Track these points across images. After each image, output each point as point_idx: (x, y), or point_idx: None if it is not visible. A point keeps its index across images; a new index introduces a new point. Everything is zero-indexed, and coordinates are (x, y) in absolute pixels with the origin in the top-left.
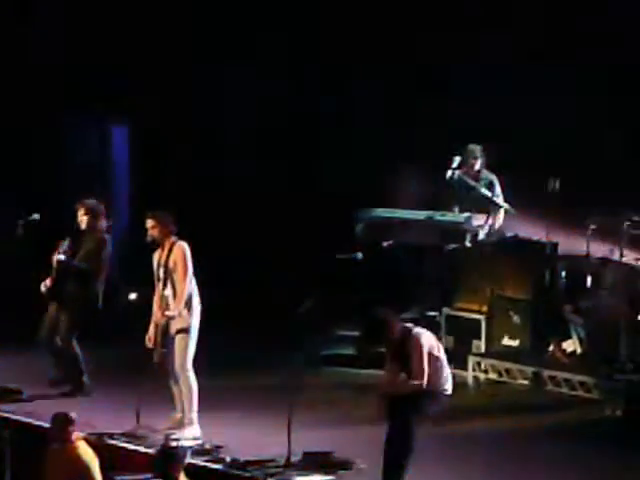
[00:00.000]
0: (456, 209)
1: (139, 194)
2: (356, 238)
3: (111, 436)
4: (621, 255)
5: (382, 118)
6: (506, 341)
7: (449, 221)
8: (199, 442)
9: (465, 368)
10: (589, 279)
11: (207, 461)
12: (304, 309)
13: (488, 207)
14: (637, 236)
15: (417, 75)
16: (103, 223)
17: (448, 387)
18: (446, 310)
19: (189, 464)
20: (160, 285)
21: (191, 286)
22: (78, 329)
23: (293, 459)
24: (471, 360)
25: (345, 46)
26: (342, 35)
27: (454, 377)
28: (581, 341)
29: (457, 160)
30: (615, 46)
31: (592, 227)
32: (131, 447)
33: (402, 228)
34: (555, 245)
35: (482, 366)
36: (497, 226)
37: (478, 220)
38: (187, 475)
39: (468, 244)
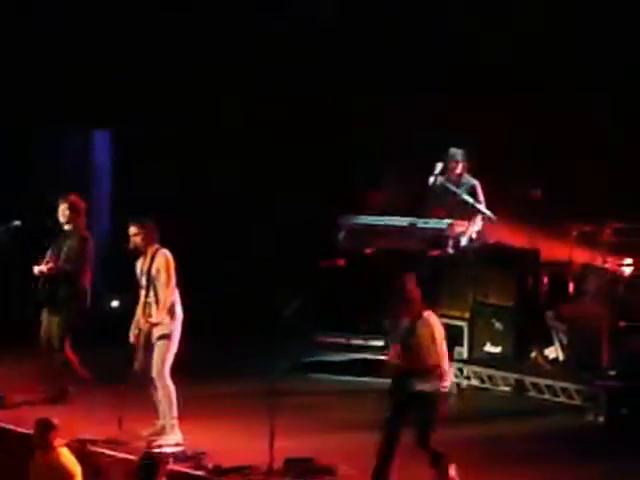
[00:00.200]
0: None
1: (120, 199)
2: (338, 245)
3: (93, 442)
4: (604, 261)
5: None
6: (488, 348)
7: (432, 227)
8: (181, 448)
9: None
10: (571, 286)
11: (189, 467)
12: (290, 310)
13: (469, 213)
14: (619, 243)
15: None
16: (84, 220)
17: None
18: None
19: (171, 470)
20: (143, 292)
21: (174, 293)
22: (70, 330)
23: (275, 466)
24: (454, 367)
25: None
26: None
27: None
28: (563, 348)
29: (439, 166)
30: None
31: (574, 234)
32: (113, 453)
33: (384, 234)
34: (537, 252)
35: (464, 373)
36: (475, 231)
37: (460, 226)
38: None
39: (450, 250)
